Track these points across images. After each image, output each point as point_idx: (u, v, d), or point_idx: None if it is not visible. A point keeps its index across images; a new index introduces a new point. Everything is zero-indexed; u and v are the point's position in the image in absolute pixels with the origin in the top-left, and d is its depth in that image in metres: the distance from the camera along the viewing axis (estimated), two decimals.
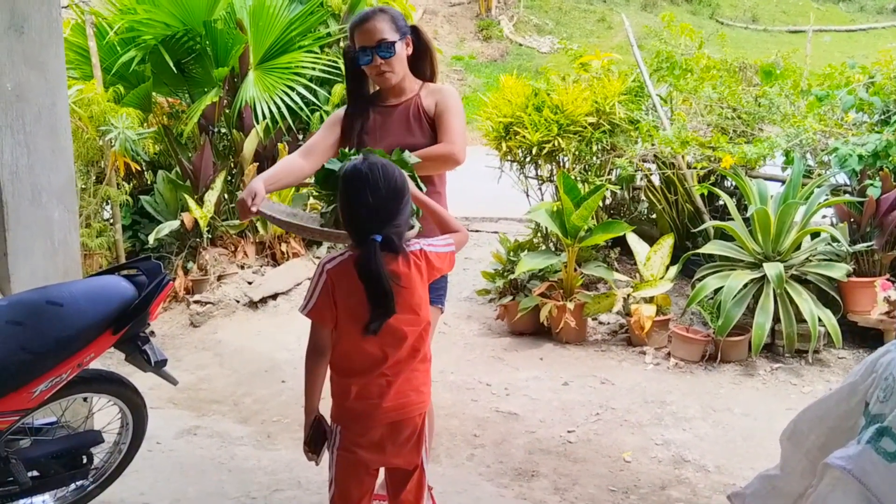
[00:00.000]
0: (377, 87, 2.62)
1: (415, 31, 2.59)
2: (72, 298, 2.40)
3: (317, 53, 6.13)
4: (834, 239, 4.28)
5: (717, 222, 4.69)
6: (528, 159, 5.37)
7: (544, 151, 5.05)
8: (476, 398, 3.95)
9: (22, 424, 2.49)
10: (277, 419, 3.79)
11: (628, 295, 4.62)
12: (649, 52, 5.65)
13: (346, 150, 2.30)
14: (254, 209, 2.27)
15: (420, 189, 2.25)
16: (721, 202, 5.10)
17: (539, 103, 5.16)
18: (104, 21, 5.84)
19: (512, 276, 4.82)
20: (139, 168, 5.89)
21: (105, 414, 2.84)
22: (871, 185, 4.27)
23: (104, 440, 2.75)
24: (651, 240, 4.90)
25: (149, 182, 6.01)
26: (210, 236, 5.60)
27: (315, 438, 2.07)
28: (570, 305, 4.52)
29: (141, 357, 2.58)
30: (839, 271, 4.19)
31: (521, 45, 19.18)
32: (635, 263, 4.82)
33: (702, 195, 5.00)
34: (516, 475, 3.17)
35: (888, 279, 4.21)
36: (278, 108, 5.81)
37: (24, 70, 2.86)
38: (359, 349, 1.97)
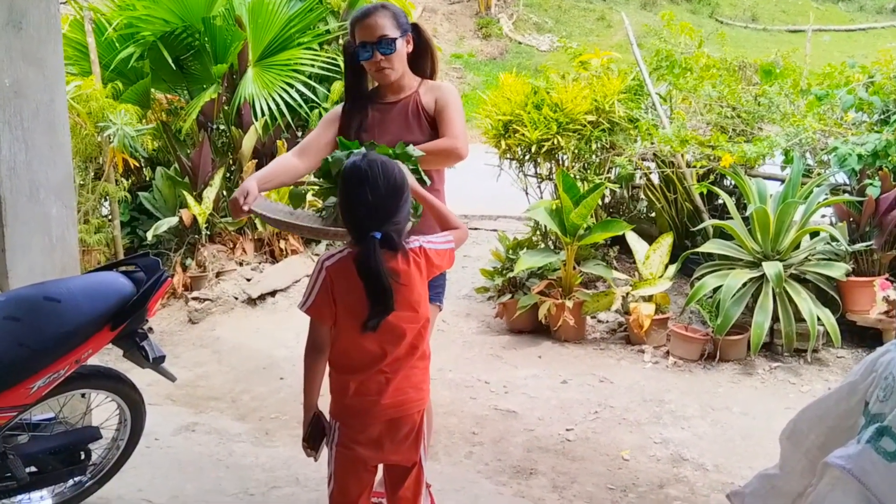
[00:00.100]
0: (376, 84, 2.62)
1: (416, 28, 2.58)
2: (70, 294, 2.39)
3: (316, 50, 6.12)
4: (833, 238, 4.28)
5: (717, 221, 4.69)
6: (527, 157, 5.37)
7: (543, 149, 5.04)
8: (475, 396, 3.95)
9: (20, 420, 2.49)
10: (275, 416, 3.79)
11: (627, 293, 4.62)
12: (649, 51, 5.64)
13: (350, 140, 2.29)
14: (245, 208, 2.27)
15: (424, 183, 2.24)
16: (720, 201, 5.10)
17: (538, 101, 5.15)
18: (103, 17, 5.83)
19: (511, 274, 4.82)
20: (138, 164, 5.87)
21: (103, 410, 2.84)
22: (871, 184, 4.27)
23: (102, 436, 2.75)
24: (650, 238, 4.90)
25: (147, 178, 6.00)
26: (209, 233, 5.60)
27: (314, 435, 2.07)
28: (569, 304, 4.52)
29: (139, 353, 2.58)
30: (838, 271, 4.19)
31: (520, 43, 19.16)
32: (634, 262, 4.82)
33: (701, 194, 5.00)
34: (514, 473, 3.17)
35: (887, 279, 4.21)
36: (277, 105, 5.80)
37: (23, 66, 2.84)
38: (358, 346, 1.97)
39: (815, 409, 1.94)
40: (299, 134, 6.11)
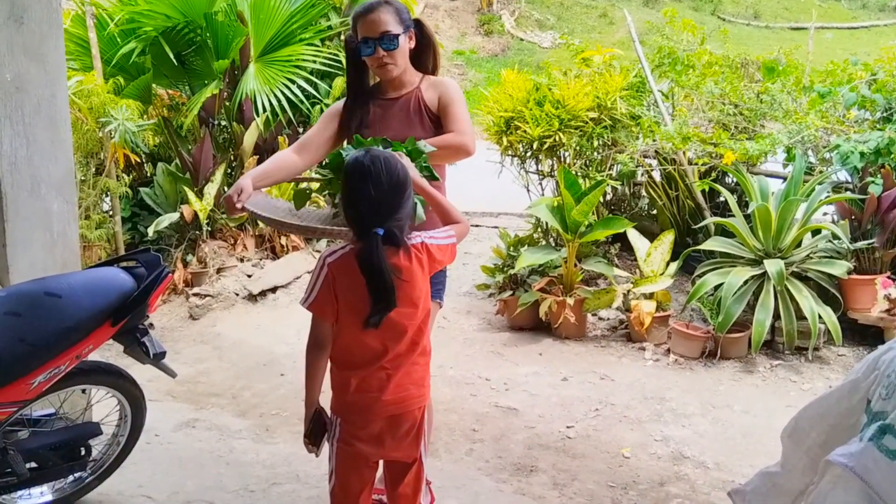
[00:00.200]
0: (377, 80, 2.61)
1: (418, 24, 2.58)
2: (70, 290, 2.39)
3: (318, 46, 6.11)
4: (835, 236, 4.28)
5: (718, 219, 4.68)
6: (528, 154, 5.35)
7: (545, 146, 5.03)
8: (475, 393, 3.95)
9: (20, 416, 2.49)
10: (276, 413, 3.79)
11: (628, 291, 4.62)
12: (651, 48, 5.64)
13: (364, 138, 2.28)
14: (239, 206, 2.26)
15: (435, 179, 2.23)
16: (722, 198, 5.09)
17: (540, 98, 5.14)
18: (104, 12, 5.82)
19: (512, 271, 4.82)
20: (139, 160, 5.87)
21: (103, 406, 2.84)
22: (873, 182, 4.26)
23: (102, 432, 2.76)
24: (651, 236, 4.89)
25: (148, 174, 6.00)
26: (209, 229, 5.59)
27: (315, 431, 2.07)
28: (570, 301, 4.52)
29: (139, 349, 2.58)
30: (840, 268, 4.19)
31: (522, 40, 19.11)
32: (635, 259, 4.81)
33: (703, 191, 4.99)
34: (515, 470, 3.17)
35: (889, 277, 4.20)
36: (279, 100, 5.79)
37: (24, 61, 2.84)
38: (359, 342, 1.97)
39: (816, 407, 1.93)
40: (301, 130, 6.11)
